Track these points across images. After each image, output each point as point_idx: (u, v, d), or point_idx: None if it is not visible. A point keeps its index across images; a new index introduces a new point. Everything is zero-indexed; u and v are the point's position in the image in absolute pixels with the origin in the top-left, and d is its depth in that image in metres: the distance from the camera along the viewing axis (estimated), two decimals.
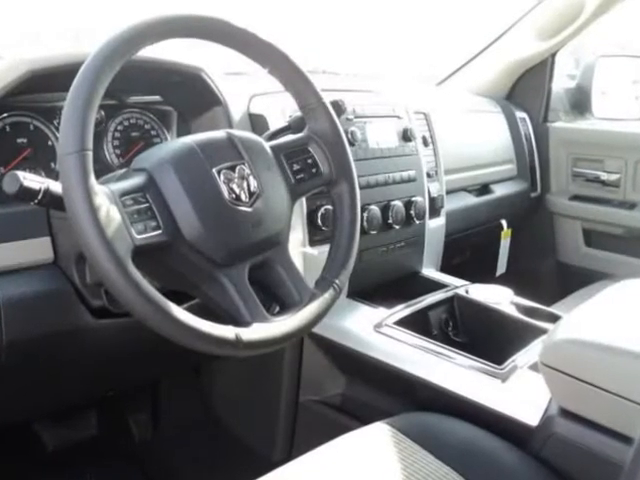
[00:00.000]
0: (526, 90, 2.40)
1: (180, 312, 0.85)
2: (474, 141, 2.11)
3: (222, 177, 0.94)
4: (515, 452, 1.08)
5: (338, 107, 1.19)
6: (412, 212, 1.54)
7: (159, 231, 0.88)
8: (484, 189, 2.16)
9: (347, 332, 1.36)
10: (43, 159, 1.20)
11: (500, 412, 1.13)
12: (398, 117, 1.59)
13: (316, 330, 1.30)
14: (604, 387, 1.00)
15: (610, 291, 1.19)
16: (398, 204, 1.50)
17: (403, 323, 1.37)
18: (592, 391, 1.01)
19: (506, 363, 1.23)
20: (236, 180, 0.96)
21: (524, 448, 1.09)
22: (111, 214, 0.83)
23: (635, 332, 1.05)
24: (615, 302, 1.16)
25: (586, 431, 1.04)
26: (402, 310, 1.42)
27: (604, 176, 2.29)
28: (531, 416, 1.11)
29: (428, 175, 1.65)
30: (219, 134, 1.01)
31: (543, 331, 1.31)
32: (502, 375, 1.19)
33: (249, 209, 0.96)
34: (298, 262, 1.16)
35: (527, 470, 1.06)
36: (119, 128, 1.31)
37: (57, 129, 1.18)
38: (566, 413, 1.07)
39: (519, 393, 1.17)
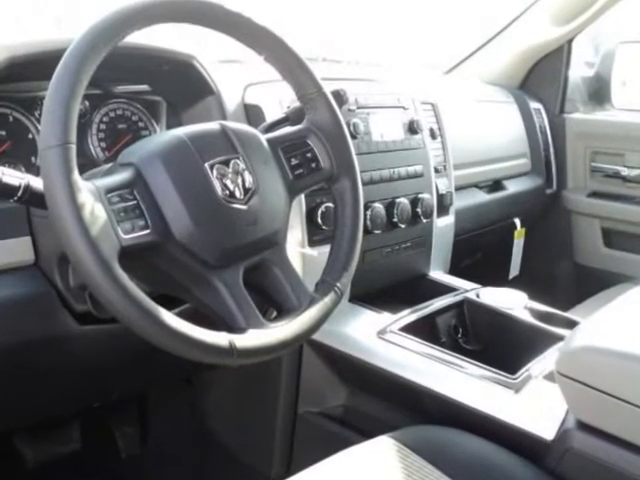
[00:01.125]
0: (541, 79, 2.40)
1: (170, 317, 0.85)
2: (485, 134, 2.11)
3: (215, 172, 0.94)
4: (529, 468, 1.08)
5: (339, 97, 1.19)
6: (419, 210, 1.54)
7: (147, 230, 0.88)
8: (496, 185, 2.16)
9: (349, 339, 1.36)
10: (23, 153, 1.19)
11: (513, 425, 1.13)
12: (404, 108, 1.60)
13: (316, 337, 1.30)
14: (625, 398, 1.00)
15: (631, 295, 1.19)
16: (404, 201, 1.51)
17: (409, 329, 1.37)
18: (612, 402, 1.01)
19: (520, 372, 1.23)
20: (230, 175, 0.96)
21: (539, 464, 1.09)
22: (96, 212, 0.83)
23: None
24: (636, 306, 1.16)
25: (606, 445, 1.04)
26: (408, 315, 1.42)
27: (625, 171, 2.29)
28: (546, 429, 1.11)
29: (436, 170, 1.65)
30: (212, 126, 1.01)
31: (559, 338, 1.31)
32: (515, 385, 1.20)
33: (244, 207, 0.96)
34: (296, 263, 1.16)
35: None
36: (105, 120, 1.31)
37: (38, 121, 1.18)
38: (584, 426, 1.07)
39: (534, 405, 1.17)
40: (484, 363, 1.26)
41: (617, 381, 1.01)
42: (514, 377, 1.21)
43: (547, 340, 1.33)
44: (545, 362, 1.26)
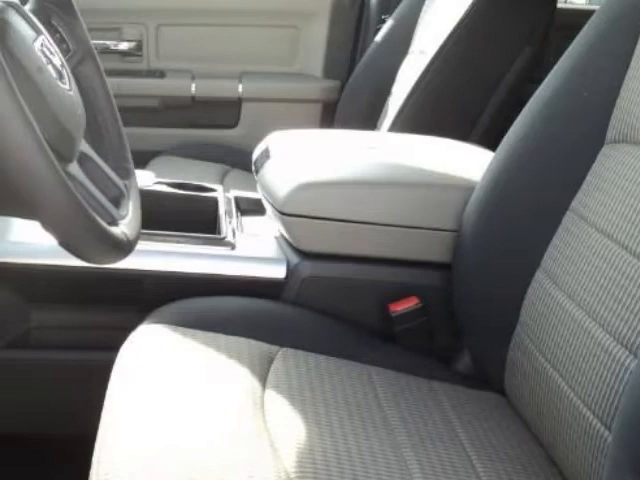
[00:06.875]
0: None
1: None
2: None
3: None
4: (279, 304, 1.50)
5: None
6: None
7: None
8: None
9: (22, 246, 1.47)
10: None
11: (246, 276, 1.50)
12: None
13: None
14: (341, 218, 1.46)
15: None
16: None
17: None
18: (333, 226, 1.46)
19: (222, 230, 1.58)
20: None
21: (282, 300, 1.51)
22: None
23: (345, 165, 1.55)
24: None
25: (331, 265, 1.50)
26: None
27: None
28: (278, 270, 1.51)
29: None
30: None
31: None
32: (228, 242, 1.54)
33: None
34: None
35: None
36: None
37: None
38: (310, 255, 1.50)
39: (255, 253, 1.54)
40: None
41: (333, 206, 1.46)
42: (221, 236, 1.55)
43: None
44: None
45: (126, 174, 1.24)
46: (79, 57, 1.24)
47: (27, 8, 1.12)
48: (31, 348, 1.51)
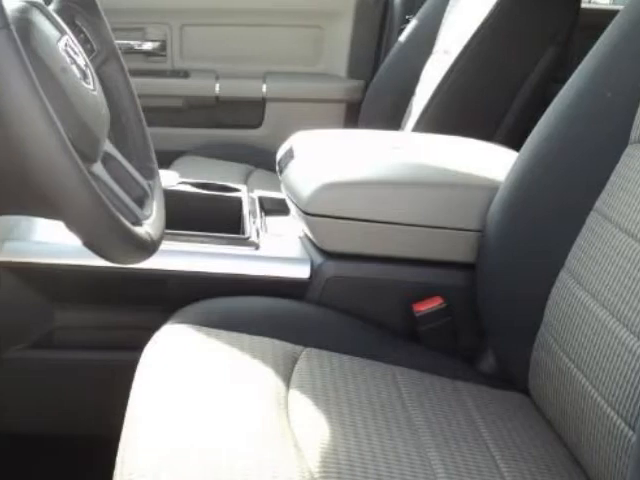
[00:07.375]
0: None
1: None
2: None
3: None
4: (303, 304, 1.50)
5: None
6: None
7: None
8: None
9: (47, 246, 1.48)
10: None
11: (271, 276, 1.51)
12: None
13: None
14: (366, 218, 1.47)
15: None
16: None
17: None
18: (358, 225, 1.47)
19: (246, 230, 1.59)
20: None
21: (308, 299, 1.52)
22: None
23: (369, 164, 1.55)
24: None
25: (355, 265, 1.51)
26: None
27: None
28: (302, 269, 1.52)
29: None
30: None
31: None
32: (252, 242, 1.55)
33: None
34: None
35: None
36: None
37: None
38: (334, 255, 1.51)
39: (279, 253, 1.56)
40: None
41: (357, 206, 1.47)
42: (245, 236, 1.57)
43: None
44: None
45: (150, 174, 1.25)
46: (103, 57, 1.26)
47: (51, 8, 1.14)
48: (55, 348, 1.54)
